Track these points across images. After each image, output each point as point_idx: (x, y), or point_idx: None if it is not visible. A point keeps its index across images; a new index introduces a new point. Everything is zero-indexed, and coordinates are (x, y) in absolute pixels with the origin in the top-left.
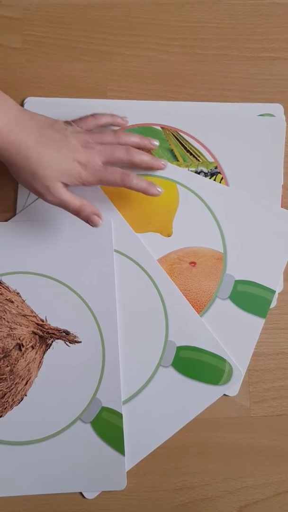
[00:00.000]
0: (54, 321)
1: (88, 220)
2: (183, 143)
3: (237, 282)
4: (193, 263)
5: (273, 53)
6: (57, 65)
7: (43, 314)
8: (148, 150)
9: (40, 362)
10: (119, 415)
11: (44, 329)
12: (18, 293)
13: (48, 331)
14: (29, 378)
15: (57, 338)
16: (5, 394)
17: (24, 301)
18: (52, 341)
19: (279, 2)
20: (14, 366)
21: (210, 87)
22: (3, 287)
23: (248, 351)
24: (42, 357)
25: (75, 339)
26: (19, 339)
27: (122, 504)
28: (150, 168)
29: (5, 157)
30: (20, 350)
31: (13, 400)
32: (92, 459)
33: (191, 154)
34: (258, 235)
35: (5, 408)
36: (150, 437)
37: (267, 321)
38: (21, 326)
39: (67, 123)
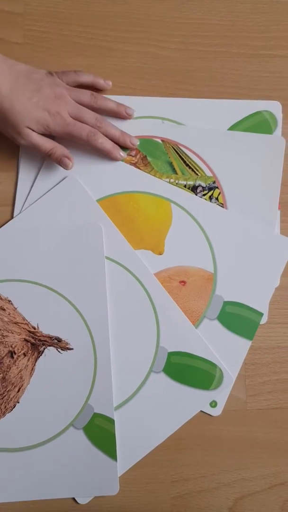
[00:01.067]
0: (46, 328)
1: (59, 162)
2: (183, 157)
3: (226, 303)
4: (183, 282)
5: (272, 51)
6: (58, 61)
7: (35, 322)
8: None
9: (32, 369)
10: (111, 421)
11: (36, 337)
12: (9, 301)
13: (40, 338)
14: (22, 385)
15: (49, 345)
16: None
17: (15, 308)
18: (44, 348)
19: (279, 0)
20: (6, 374)
21: (209, 84)
22: None
23: (234, 371)
24: (34, 364)
25: (67, 346)
26: (11, 346)
27: (119, 496)
28: (116, 144)
29: None
30: (12, 357)
31: (5, 407)
32: (85, 464)
33: (190, 168)
34: (249, 257)
35: None
36: (142, 442)
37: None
38: (13, 333)
39: (49, 73)
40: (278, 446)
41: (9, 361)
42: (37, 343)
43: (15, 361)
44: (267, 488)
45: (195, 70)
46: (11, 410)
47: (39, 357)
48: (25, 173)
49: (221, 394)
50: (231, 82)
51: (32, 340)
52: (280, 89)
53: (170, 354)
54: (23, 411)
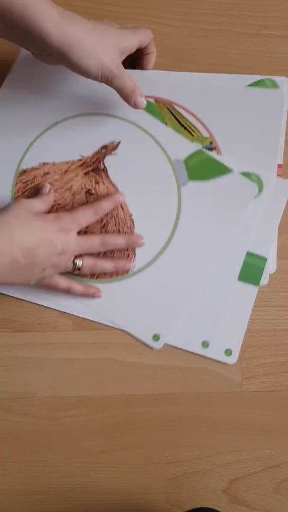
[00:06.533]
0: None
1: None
2: (177, 117)
3: None
4: None
5: (274, 31)
6: None
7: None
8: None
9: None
10: None
11: (89, 163)
12: None
13: (92, 161)
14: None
15: (103, 157)
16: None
17: None
18: (103, 164)
19: None
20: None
21: (211, 62)
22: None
23: (244, 319)
24: (110, 182)
25: (116, 145)
26: (81, 187)
27: (114, 476)
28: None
29: None
30: (92, 194)
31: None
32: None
33: (185, 128)
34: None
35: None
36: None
37: (261, 298)
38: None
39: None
40: (273, 429)
41: (92, 197)
42: (94, 165)
43: (98, 194)
44: (261, 470)
45: (197, 48)
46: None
47: (106, 171)
48: None
49: (236, 342)
50: (233, 61)
51: (90, 169)
52: (283, 70)
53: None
54: None
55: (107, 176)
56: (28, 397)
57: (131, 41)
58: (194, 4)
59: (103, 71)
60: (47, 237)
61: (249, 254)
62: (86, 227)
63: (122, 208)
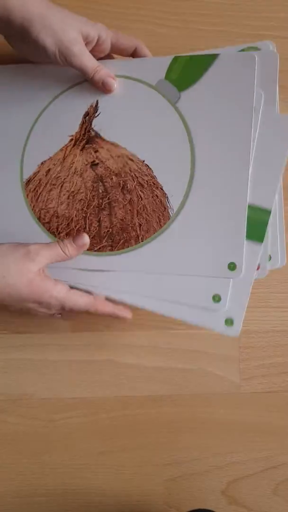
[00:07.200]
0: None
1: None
2: None
3: None
4: None
5: (272, 32)
6: None
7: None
8: None
9: (112, 146)
10: None
11: (80, 138)
12: None
13: (82, 134)
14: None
15: (90, 124)
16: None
17: None
18: (92, 129)
19: None
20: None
21: None
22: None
23: (249, 277)
24: (108, 142)
25: (95, 106)
26: (84, 164)
27: (112, 478)
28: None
29: None
30: (97, 164)
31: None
32: None
33: None
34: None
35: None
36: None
37: (259, 299)
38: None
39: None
40: (271, 430)
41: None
42: (86, 137)
43: (103, 161)
44: (260, 471)
45: (194, 49)
46: None
47: (101, 136)
48: None
49: (238, 311)
50: None
51: (84, 142)
52: (282, 71)
53: None
54: None
55: (103, 139)
56: (25, 398)
57: (97, 31)
58: (191, 4)
59: (61, 49)
60: (20, 299)
61: (252, 208)
62: (108, 198)
63: (132, 160)
